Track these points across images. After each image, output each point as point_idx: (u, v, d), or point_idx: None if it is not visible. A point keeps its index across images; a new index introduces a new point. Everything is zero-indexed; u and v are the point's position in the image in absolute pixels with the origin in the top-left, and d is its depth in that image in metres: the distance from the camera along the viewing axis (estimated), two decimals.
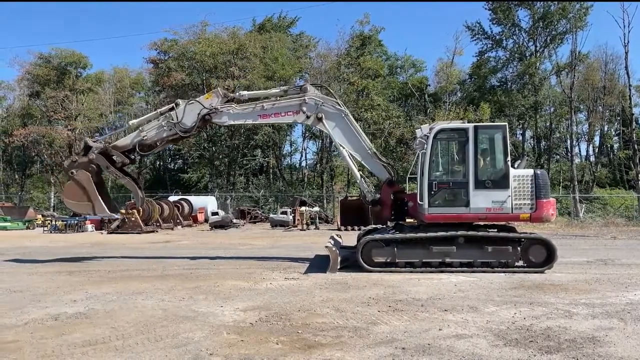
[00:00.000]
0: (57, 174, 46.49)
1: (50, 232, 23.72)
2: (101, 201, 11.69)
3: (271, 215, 28.11)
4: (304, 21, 57.68)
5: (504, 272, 9.50)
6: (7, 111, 48.13)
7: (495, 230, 10.02)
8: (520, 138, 43.10)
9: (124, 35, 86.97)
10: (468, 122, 10.91)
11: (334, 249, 10.01)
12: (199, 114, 11.68)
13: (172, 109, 11.86)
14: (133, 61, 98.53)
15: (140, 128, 11.99)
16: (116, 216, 12.56)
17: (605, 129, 45.74)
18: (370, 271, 9.66)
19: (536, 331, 5.60)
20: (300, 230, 23.93)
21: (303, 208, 25.58)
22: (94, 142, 12.43)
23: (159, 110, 12.37)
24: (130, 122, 12.87)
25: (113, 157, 11.96)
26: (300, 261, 11.75)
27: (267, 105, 11.63)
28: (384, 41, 43.86)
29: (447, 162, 10.82)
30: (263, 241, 18.07)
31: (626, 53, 30.76)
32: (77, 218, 24.83)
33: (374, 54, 41.59)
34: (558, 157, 42.82)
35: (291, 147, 47.60)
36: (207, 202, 30.93)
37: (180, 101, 12.13)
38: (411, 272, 9.61)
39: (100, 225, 24.80)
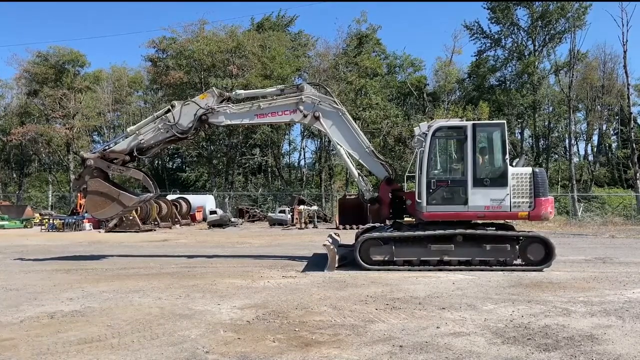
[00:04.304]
0: (55, 172, 46.46)
1: (48, 231, 23.64)
2: (126, 194, 11.68)
3: (270, 214, 28.08)
4: (302, 20, 57.58)
5: (502, 270, 9.49)
6: (5, 110, 47.96)
7: (494, 228, 9.99)
8: (519, 137, 43.13)
9: (122, 34, 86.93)
10: (467, 121, 10.88)
11: (332, 247, 9.99)
12: (195, 114, 11.61)
13: (168, 111, 11.81)
14: (131, 60, 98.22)
15: (137, 132, 11.92)
16: (151, 195, 12.09)
17: (604, 128, 45.81)
18: (368, 269, 9.63)
19: (534, 329, 5.58)
20: (299, 229, 23.91)
21: (301, 207, 25.56)
22: (92, 153, 12.38)
23: (155, 114, 12.33)
24: (129, 129, 12.82)
25: (113, 159, 11.94)
26: (298, 259, 11.73)
27: (264, 104, 11.58)
28: (382, 40, 43.91)
29: (445, 160, 10.81)
30: (261, 240, 18.04)
31: (625, 52, 30.74)
32: (75, 217, 24.78)
33: (372, 53, 41.56)
34: (556, 156, 42.86)
35: (290, 146, 47.61)
36: (205, 201, 30.87)
37: (176, 103, 12.06)
38: (409, 270, 9.59)
39: (98, 224, 24.74)
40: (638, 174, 30.37)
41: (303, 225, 24.30)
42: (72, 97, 41.15)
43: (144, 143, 11.82)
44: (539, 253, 9.62)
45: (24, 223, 26.93)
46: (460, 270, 9.51)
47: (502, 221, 10.28)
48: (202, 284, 8.58)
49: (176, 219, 26.88)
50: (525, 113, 39.12)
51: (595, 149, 46.54)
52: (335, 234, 12.62)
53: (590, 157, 44.89)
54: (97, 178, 11.67)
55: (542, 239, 9.71)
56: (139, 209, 23.30)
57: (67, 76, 42.30)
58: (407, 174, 11.29)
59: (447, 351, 4.82)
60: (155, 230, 23.73)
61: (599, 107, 42.20)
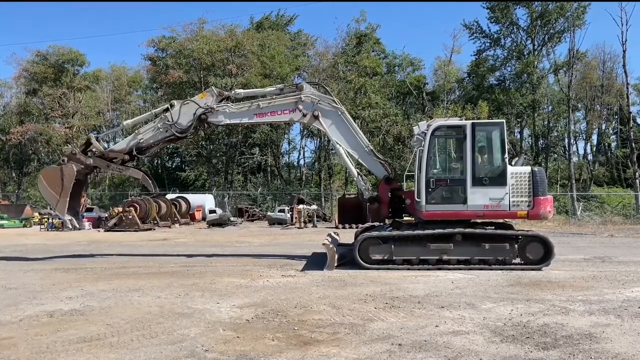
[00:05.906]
0: None
1: (47, 230, 23.65)
2: (66, 203, 11.48)
3: (269, 214, 28.10)
4: (301, 19, 57.50)
5: (501, 269, 9.49)
6: (4, 109, 47.87)
7: (493, 227, 10.00)
8: (518, 136, 43.14)
9: (121, 33, 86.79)
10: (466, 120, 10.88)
11: (331, 246, 10.00)
12: (194, 113, 11.59)
13: (167, 110, 11.76)
14: (131, 59, 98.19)
15: (137, 131, 11.89)
16: (69, 225, 11.84)
17: (603, 127, 45.82)
18: (368, 268, 9.63)
19: (533, 328, 5.59)
20: (298, 228, 23.92)
21: (301, 206, 25.59)
22: (96, 139, 12.23)
23: (153, 111, 12.26)
24: (125, 123, 12.78)
25: (112, 159, 11.93)
26: (297, 259, 11.73)
27: (263, 103, 11.56)
28: (382, 39, 43.89)
29: (444, 160, 10.81)
30: (260, 239, 18.04)
31: (624, 51, 30.81)
32: None
33: (371, 52, 41.55)
34: (556, 155, 42.86)
35: (289, 146, 47.60)
36: (204, 200, 30.89)
37: (175, 102, 12.03)
38: (408, 269, 9.60)
39: (97, 223, 24.78)
40: (637, 173, 30.42)
41: (302, 225, 24.32)
42: (71, 97, 41.13)
43: (143, 142, 11.81)
44: (538, 252, 9.62)
45: (23, 222, 26.94)
46: (460, 269, 9.52)
47: (501, 220, 10.29)
48: (201, 283, 8.58)
49: (175, 218, 26.89)
50: (525, 112, 39.13)
51: (595, 148, 46.58)
52: (334, 233, 12.61)
53: (590, 157, 44.90)
54: (73, 171, 11.56)
55: (541, 238, 9.71)
56: (138, 208, 23.43)
57: (67, 75, 42.28)
58: (406, 173, 11.30)
59: (446, 350, 4.83)
60: (154, 229, 23.74)
61: (598, 106, 42.23)
